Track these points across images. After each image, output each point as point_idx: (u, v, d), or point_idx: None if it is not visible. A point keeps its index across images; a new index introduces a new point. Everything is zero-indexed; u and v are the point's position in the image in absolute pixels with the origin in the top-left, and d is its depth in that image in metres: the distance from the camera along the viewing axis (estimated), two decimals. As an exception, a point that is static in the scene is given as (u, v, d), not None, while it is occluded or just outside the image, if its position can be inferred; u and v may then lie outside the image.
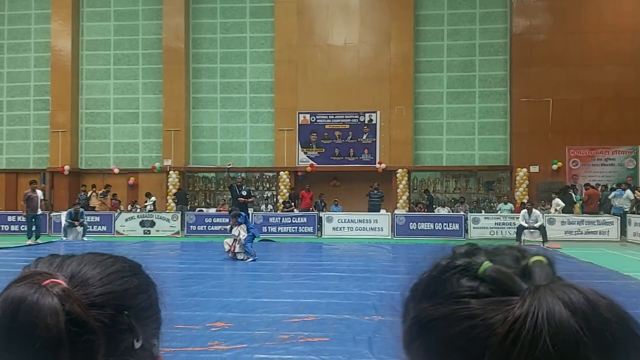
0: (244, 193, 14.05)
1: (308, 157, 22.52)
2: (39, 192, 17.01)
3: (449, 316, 0.61)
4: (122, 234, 19.26)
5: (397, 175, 21.80)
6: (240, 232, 11.99)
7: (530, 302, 0.58)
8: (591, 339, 0.55)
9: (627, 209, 18.32)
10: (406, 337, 0.67)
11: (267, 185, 23.11)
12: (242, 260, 11.91)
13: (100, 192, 21.39)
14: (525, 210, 16.39)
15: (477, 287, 0.62)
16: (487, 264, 0.63)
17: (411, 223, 18.86)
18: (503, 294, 0.60)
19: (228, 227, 12.34)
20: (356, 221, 19.09)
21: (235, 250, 12.04)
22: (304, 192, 21.02)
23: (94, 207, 21.11)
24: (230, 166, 17.84)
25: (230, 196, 17.07)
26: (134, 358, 0.75)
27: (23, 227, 18.00)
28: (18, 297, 0.71)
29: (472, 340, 0.59)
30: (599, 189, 19.88)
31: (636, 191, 18.98)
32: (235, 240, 12.11)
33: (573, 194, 19.81)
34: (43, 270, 0.76)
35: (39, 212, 16.82)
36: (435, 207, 21.51)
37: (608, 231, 17.81)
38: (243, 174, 21.50)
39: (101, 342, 0.71)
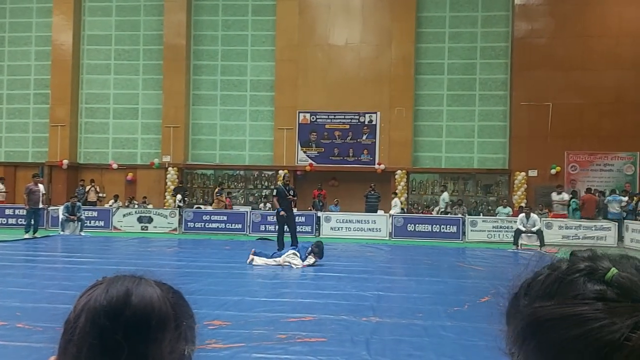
0: (292, 192, 13.68)
1: (307, 156, 22.52)
2: (41, 186, 16.97)
3: (573, 316, 0.61)
4: (119, 229, 19.23)
5: (396, 176, 21.82)
6: (292, 261, 11.48)
7: None
8: None
9: (617, 211, 18.43)
10: (520, 335, 0.66)
11: (266, 184, 23.10)
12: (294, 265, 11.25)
13: (216, 190, 21.19)
14: (523, 214, 16.42)
15: (604, 291, 0.62)
16: (614, 270, 0.64)
17: (409, 224, 18.87)
18: (629, 300, 0.61)
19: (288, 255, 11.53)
20: (354, 221, 19.09)
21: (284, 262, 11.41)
22: (316, 192, 21.04)
23: (94, 202, 21.06)
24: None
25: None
26: None
27: (21, 221, 17.98)
28: (125, 288, 0.84)
29: (594, 343, 0.59)
30: (597, 194, 19.86)
31: (634, 197, 19.01)
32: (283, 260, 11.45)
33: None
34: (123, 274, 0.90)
35: (40, 206, 16.78)
36: (432, 208, 21.56)
37: (605, 237, 17.84)
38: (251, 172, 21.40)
39: (184, 327, 0.86)
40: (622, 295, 0.61)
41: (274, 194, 13.93)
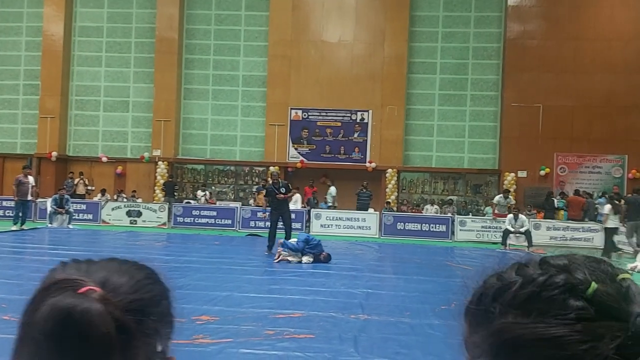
0: (283, 190, 13.48)
1: (299, 153, 22.51)
2: (31, 178, 16.82)
3: (554, 338, 0.58)
4: (108, 223, 19.12)
5: (387, 175, 21.86)
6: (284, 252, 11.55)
7: None
8: None
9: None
10: (493, 349, 0.63)
11: (256, 180, 23.05)
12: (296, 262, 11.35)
13: (256, 187, 21.00)
14: (512, 214, 16.51)
15: (585, 309, 0.60)
16: (594, 285, 0.61)
17: (399, 223, 18.91)
18: (608, 317, 0.59)
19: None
20: (344, 219, 19.10)
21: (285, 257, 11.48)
22: (307, 188, 21.02)
23: (82, 195, 20.90)
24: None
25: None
26: None
27: (8, 212, 17.83)
28: (67, 307, 0.73)
29: None
30: (585, 197, 19.95)
31: (622, 200, 19.13)
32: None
33: (555, 200, 19.98)
34: (74, 277, 0.77)
35: (29, 198, 16.62)
36: (422, 206, 21.64)
37: (592, 238, 17.96)
38: (243, 168, 21.32)
39: (140, 345, 0.75)
40: (602, 312, 0.59)
41: (265, 195, 13.96)
